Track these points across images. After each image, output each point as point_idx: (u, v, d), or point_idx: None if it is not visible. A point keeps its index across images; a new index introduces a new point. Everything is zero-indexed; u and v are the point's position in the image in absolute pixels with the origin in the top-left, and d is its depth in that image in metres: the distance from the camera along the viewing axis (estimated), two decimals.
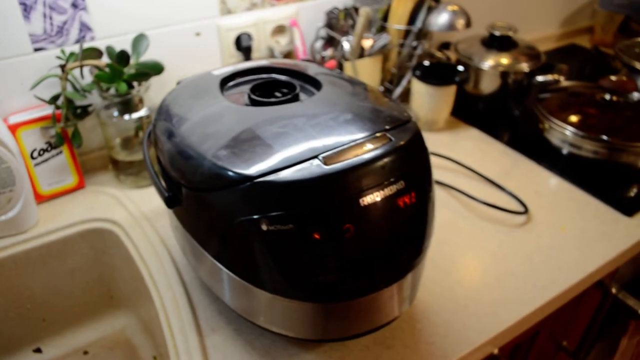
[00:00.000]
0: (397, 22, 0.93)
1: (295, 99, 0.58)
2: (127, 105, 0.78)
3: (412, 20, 0.93)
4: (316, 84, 0.61)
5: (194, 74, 0.68)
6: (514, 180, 0.86)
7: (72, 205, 0.81)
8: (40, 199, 0.80)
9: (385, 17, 0.94)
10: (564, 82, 0.98)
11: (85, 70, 0.78)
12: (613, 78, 0.97)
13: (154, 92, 0.83)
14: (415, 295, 0.59)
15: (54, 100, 0.76)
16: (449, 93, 0.92)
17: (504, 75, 0.98)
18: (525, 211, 0.78)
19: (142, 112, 0.79)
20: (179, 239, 0.64)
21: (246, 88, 0.63)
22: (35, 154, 0.78)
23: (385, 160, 0.49)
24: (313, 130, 0.51)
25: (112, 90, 0.77)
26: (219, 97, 0.59)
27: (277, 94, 0.60)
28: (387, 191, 0.49)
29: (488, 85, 0.99)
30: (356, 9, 0.91)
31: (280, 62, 0.68)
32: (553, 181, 0.86)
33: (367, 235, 0.49)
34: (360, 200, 0.47)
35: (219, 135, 0.51)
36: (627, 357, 0.96)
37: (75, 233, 0.77)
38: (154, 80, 0.81)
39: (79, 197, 0.82)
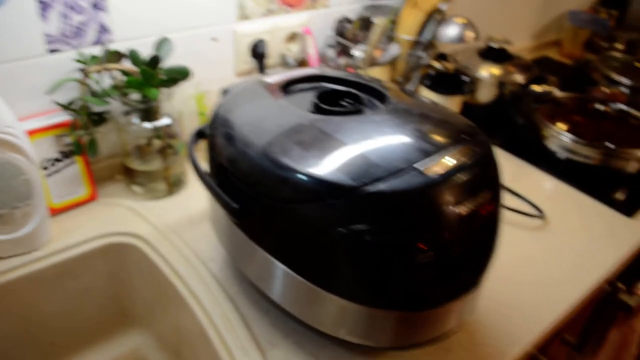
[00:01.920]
0: (407, 33, 0.95)
1: (361, 109, 0.58)
2: (149, 112, 0.74)
3: (420, 31, 0.95)
4: (376, 94, 0.62)
5: (241, 82, 0.65)
6: (521, 185, 0.90)
7: (87, 219, 0.75)
8: (51, 212, 0.74)
9: (393, 28, 0.96)
10: (557, 93, 1.04)
11: (103, 74, 0.74)
12: (605, 90, 1.05)
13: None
14: (477, 302, 0.60)
15: (69, 105, 0.71)
16: (456, 102, 0.95)
17: (501, 85, 1.03)
18: (542, 215, 0.83)
19: (165, 120, 0.75)
20: (234, 249, 0.62)
21: (304, 96, 0.62)
22: (47, 164, 0.72)
23: (475, 170, 0.50)
24: (401, 140, 0.51)
25: (133, 96, 0.73)
26: (286, 105, 0.57)
27: (342, 103, 0.60)
28: (479, 199, 0.50)
29: (485, 94, 1.04)
30: (370, 20, 0.92)
31: (329, 71, 0.67)
32: (556, 185, 0.92)
33: (460, 243, 0.50)
34: (458, 209, 0.48)
35: (305, 145, 0.50)
36: (614, 347, 1.03)
37: (94, 249, 0.72)
38: None
39: (93, 209, 0.77)
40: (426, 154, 0.49)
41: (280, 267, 0.54)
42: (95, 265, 0.74)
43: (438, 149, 0.50)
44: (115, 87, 0.72)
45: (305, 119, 0.54)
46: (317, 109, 0.58)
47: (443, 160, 0.49)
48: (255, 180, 0.52)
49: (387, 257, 0.47)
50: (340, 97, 0.60)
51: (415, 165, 0.48)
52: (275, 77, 0.64)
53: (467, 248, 0.51)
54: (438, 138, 0.52)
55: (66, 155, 0.73)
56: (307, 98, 0.60)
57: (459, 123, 0.56)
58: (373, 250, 0.47)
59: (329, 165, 0.48)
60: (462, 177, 0.49)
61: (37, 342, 0.74)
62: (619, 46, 1.38)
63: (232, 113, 0.58)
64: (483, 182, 0.51)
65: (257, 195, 0.52)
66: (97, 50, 0.73)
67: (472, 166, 0.50)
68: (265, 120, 0.55)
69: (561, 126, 1.00)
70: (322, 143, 0.50)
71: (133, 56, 0.72)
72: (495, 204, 0.53)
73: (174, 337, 0.75)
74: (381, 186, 0.46)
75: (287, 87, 0.63)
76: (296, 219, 0.50)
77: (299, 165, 0.48)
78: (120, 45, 0.75)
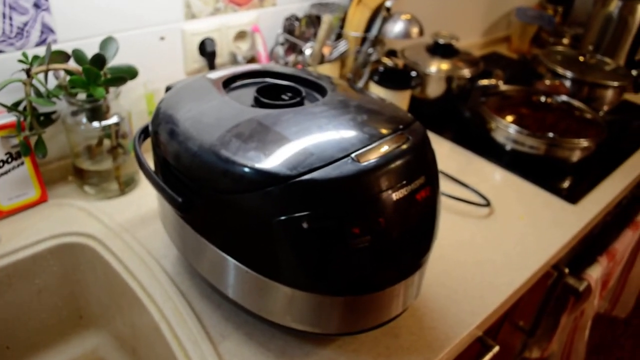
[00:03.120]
0: (354, 30, 0.97)
1: (302, 102, 0.60)
2: (97, 112, 0.74)
3: (367, 28, 0.98)
4: (318, 88, 0.63)
5: (184, 78, 0.66)
6: (470, 176, 0.93)
7: (37, 220, 0.75)
8: (0, 215, 0.74)
9: (341, 25, 0.98)
10: (502, 86, 1.08)
11: (49, 75, 0.73)
12: (547, 82, 1.09)
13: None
14: (421, 286, 0.63)
15: (15, 106, 0.70)
16: (404, 97, 0.98)
17: (449, 80, 1.06)
18: (488, 204, 0.86)
19: (113, 119, 0.76)
20: (184, 244, 0.62)
21: (247, 91, 0.63)
22: None
23: (408, 157, 0.52)
24: (336, 130, 0.53)
25: (80, 96, 0.73)
26: (227, 100, 0.59)
27: (284, 97, 0.61)
28: (413, 186, 0.52)
29: (434, 89, 1.07)
30: (318, 17, 0.94)
31: (271, 66, 0.69)
32: (503, 175, 0.95)
33: (396, 228, 0.51)
34: (393, 195, 0.50)
35: (244, 137, 0.52)
36: (566, 332, 1.07)
37: (44, 250, 0.72)
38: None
39: (43, 211, 0.77)
40: (361, 142, 0.51)
41: (227, 259, 0.55)
42: (48, 267, 0.74)
43: (373, 138, 0.52)
44: (61, 87, 0.72)
45: (245, 112, 0.55)
46: (258, 103, 0.59)
47: (377, 148, 0.51)
48: (197, 173, 0.53)
49: (324, 244, 0.49)
50: (282, 92, 0.62)
51: (349, 154, 0.49)
52: (218, 73, 0.65)
53: (405, 232, 0.52)
54: (373, 127, 0.54)
55: (14, 157, 0.73)
56: (249, 93, 0.62)
57: (395, 113, 0.58)
58: (311, 237, 0.48)
59: (266, 156, 0.49)
60: (396, 163, 0.51)
61: None
62: (565, 41, 1.44)
63: (174, 109, 0.59)
64: (418, 169, 0.53)
65: (199, 188, 0.53)
66: (42, 51, 0.72)
67: (406, 153, 0.52)
68: (206, 115, 0.56)
69: (507, 118, 1.03)
70: (260, 135, 0.51)
71: (77, 55, 0.72)
72: (431, 189, 0.55)
73: (130, 335, 0.75)
74: (315, 174, 0.47)
75: (230, 83, 0.64)
76: (237, 209, 0.51)
77: (237, 157, 0.50)
78: (65, 45, 0.75)
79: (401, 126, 0.55)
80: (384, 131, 0.53)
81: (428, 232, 0.56)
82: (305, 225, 0.48)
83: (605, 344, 1.78)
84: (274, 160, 0.49)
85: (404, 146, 0.53)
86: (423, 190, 0.53)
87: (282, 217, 0.48)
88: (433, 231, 0.57)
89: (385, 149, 0.51)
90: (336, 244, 0.49)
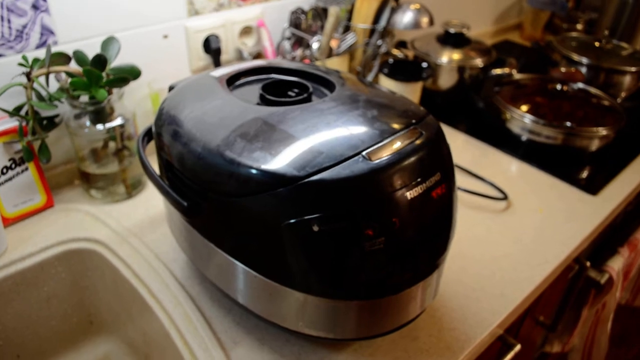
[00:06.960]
0: (362, 22, 0.94)
1: (309, 98, 0.58)
2: (100, 114, 0.73)
3: (375, 19, 0.95)
4: (326, 83, 0.61)
5: (188, 77, 0.64)
6: (485, 168, 0.90)
7: (44, 227, 0.73)
8: (6, 222, 0.72)
9: (349, 17, 0.96)
10: (516, 75, 1.04)
11: (51, 77, 0.72)
12: (563, 69, 1.05)
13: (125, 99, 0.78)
14: (439, 286, 0.60)
15: (17, 111, 0.69)
16: (416, 89, 0.95)
17: (461, 70, 1.03)
18: (505, 197, 0.83)
19: (117, 121, 0.74)
20: (192, 250, 0.61)
21: (252, 88, 0.61)
22: None
23: (423, 153, 0.50)
24: (345, 127, 0.50)
25: (83, 99, 0.71)
26: (231, 98, 0.56)
27: (290, 93, 0.59)
28: (428, 183, 0.50)
29: (446, 80, 1.04)
30: (324, 9, 0.91)
31: (277, 62, 0.66)
32: (520, 167, 0.92)
33: (411, 228, 0.49)
34: (407, 194, 0.48)
35: (249, 137, 0.49)
36: (588, 325, 1.04)
37: (51, 256, 0.71)
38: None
39: (50, 216, 0.75)
40: (372, 139, 0.49)
41: (236, 265, 0.53)
42: (56, 274, 0.72)
43: (384, 134, 0.50)
44: (62, 90, 0.70)
45: (250, 111, 0.53)
46: (264, 101, 0.57)
47: (389, 144, 0.49)
48: (202, 176, 0.51)
49: (337, 247, 0.47)
50: (288, 88, 0.59)
51: (360, 152, 0.47)
52: (222, 70, 0.63)
53: (421, 232, 0.50)
54: (385, 123, 0.51)
55: (17, 162, 0.71)
56: (255, 90, 0.59)
57: (407, 107, 0.56)
58: (322, 240, 0.46)
59: (272, 156, 0.47)
60: (409, 160, 0.48)
61: (1, 355, 0.72)
62: (579, 26, 1.40)
63: (177, 109, 0.56)
64: (433, 165, 0.51)
65: (204, 191, 0.51)
66: (42, 54, 0.71)
67: (420, 149, 0.50)
68: (209, 115, 0.54)
69: (522, 108, 1.00)
70: (266, 134, 0.49)
71: (78, 57, 0.70)
72: (447, 185, 0.52)
73: (142, 341, 0.74)
74: (325, 174, 0.45)
75: (234, 81, 0.62)
76: (244, 212, 0.49)
77: (242, 158, 0.48)
78: (66, 47, 0.73)
79: (414, 120, 0.53)
80: (396, 126, 0.51)
81: (445, 231, 0.54)
82: (315, 228, 0.46)
83: (628, 334, 1.74)
84: (281, 160, 0.47)
85: (418, 141, 0.50)
86: (439, 188, 0.51)
87: (292, 220, 0.46)
88: (450, 230, 0.54)
89: (397, 145, 0.49)
90: (349, 246, 0.46)
